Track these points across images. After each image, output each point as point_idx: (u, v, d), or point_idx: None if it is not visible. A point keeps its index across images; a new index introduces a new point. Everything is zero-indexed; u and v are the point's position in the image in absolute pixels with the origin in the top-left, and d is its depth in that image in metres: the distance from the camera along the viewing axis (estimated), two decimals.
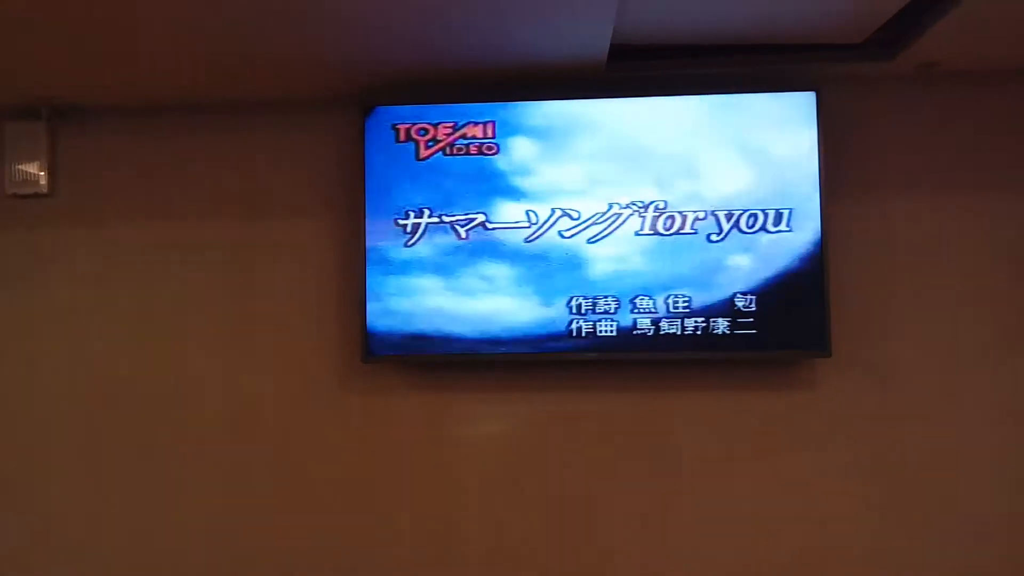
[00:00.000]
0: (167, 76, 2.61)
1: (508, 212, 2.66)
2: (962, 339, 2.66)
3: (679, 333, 2.60)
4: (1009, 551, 2.62)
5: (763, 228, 2.59)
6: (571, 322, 2.63)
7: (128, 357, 2.87)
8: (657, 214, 2.63)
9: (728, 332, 2.59)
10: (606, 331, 2.62)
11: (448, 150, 2.69)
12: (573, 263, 2.64)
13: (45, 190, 2.89)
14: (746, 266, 2.59)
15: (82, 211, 2.91)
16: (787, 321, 2.58)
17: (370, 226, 2.68)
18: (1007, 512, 2.62)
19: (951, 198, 2.69)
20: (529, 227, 2.65)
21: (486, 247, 2.66)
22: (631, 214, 2.63)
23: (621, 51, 2.53)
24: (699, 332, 2.60)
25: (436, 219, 2.68)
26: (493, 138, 2.67)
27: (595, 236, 2.64)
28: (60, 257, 2.91)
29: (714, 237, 2.61)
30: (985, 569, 2.61)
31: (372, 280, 2.67)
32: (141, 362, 2.86)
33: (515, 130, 2.67)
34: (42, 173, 2.88)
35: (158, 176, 2.90)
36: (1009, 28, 2.36)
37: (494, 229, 2.67)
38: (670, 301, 2.61)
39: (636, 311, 2.62)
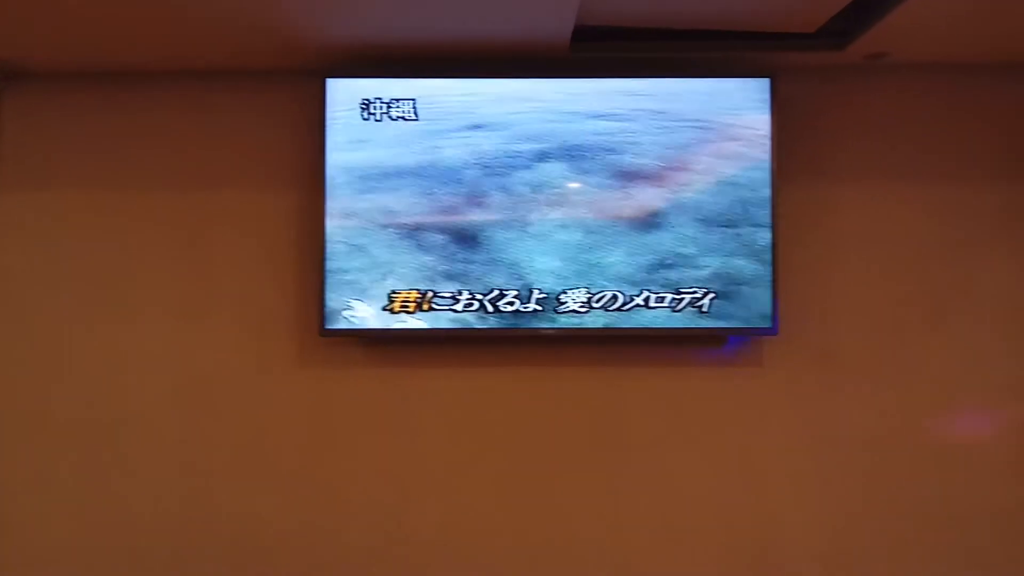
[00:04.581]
0: (121, 41, 2.55)
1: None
2: (901, 319, 2.80)
3: (635, 311, 2.67)
4: (944, 519, 2.76)
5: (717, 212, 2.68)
6: (528, 300, 2.68)
7: (78, 327, 2.81)
8: (609, 197, 2.69)
9: (679, 309, 2.67)
10: (563, 309, 2.68)
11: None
12: (529, 245, 2.68)
13: None
14: (697, 249, 2.68)
15: (30, 177, 2.83)
16: (736, 300, 2.67)
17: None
18: (942, 481, 2.77)
19: (895, 186, 2.81)
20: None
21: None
22: (584, 198, 2.69)
23: (585, 32, 2.56)
24: (653, 310, 2.67)
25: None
26: None
27: (551, 219, 2.68)
28: (7, 224, 2.83)
29: (665, 223, 2.68)
30: (921, 538, 2.76)
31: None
32: (91, 333, 2.81)
33: None
34: None
35: (110, 143, 2.83)
36: (956, 22, 2.46)
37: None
38: (625, 283, 2.68)
39: (591, 291, 2.67)
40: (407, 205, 2.68)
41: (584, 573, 2.76)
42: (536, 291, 2.68)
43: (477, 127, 2.69)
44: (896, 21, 2.41)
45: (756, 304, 2.67)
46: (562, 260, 2.68)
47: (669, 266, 2.67)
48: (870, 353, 2.79)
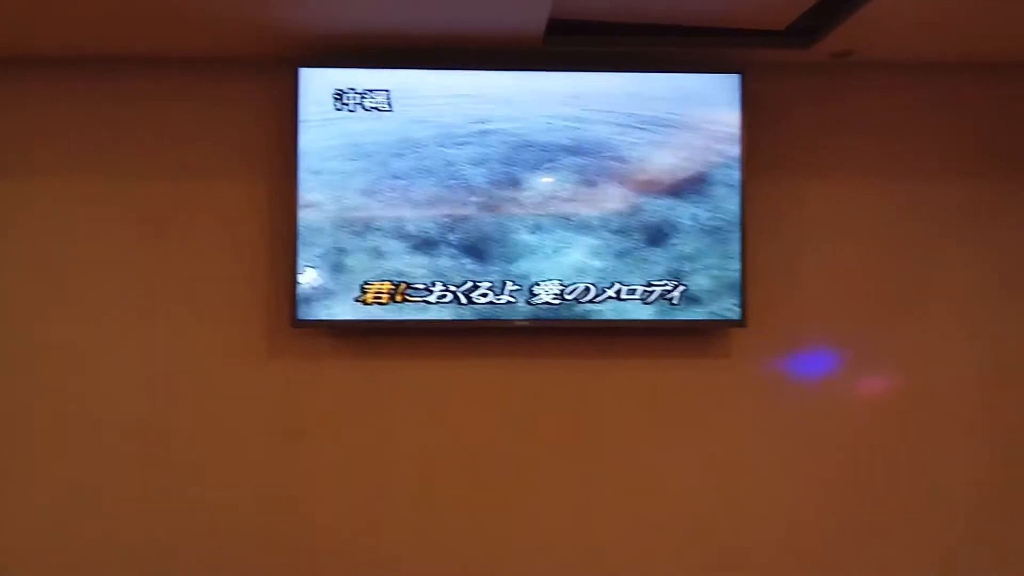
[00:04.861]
0: (92, 28, 2.51)
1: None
2: (868, 312, 2.86)
3: (606, 303, 2.70)
4: (914, 509, 2.83)
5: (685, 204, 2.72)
6: (502, 291, 2.69)
7: (45, 317, 2.75)
8: (578, 192, 2.71)
9: (650, 302, 2.70)
10: (536, 301, 2.69)
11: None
12: (503, 237, 2.70)
13: None
14: (668, 242, 2.71)
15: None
16: (706, 293, 2.71)
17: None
18: (911, 471, 2.83)
19: (862, 182, 2.87)
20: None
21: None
22: (555, 192, 2.71)
23: (559, 26, 2.58)
24: (624, 302, 2.70)
25: None
26: None
27: (524, 213, 2.70)
28: None
29: (640, 214, 2.72)
30: (892, 527, 2.82)
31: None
32: (58, 323, 2.75)
33: None
34: None
35: (79, 131, 2.78)
36: (920, 23, 2.52)
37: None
38: (597, 276, 2.70)
39: (564, 283, 2.70)
40: (380, 196, 2.68)
41: (558, 564, 2.78)
42: (510, 283, 2.69)
43: (452, 119, 2.69)
44: (861, 20, 2.46)
45: (725, 297, 2.71)
46: (535, 253, 2.69)
47: (640, 259, 2.71)
48: (837, 345, 2.85)
